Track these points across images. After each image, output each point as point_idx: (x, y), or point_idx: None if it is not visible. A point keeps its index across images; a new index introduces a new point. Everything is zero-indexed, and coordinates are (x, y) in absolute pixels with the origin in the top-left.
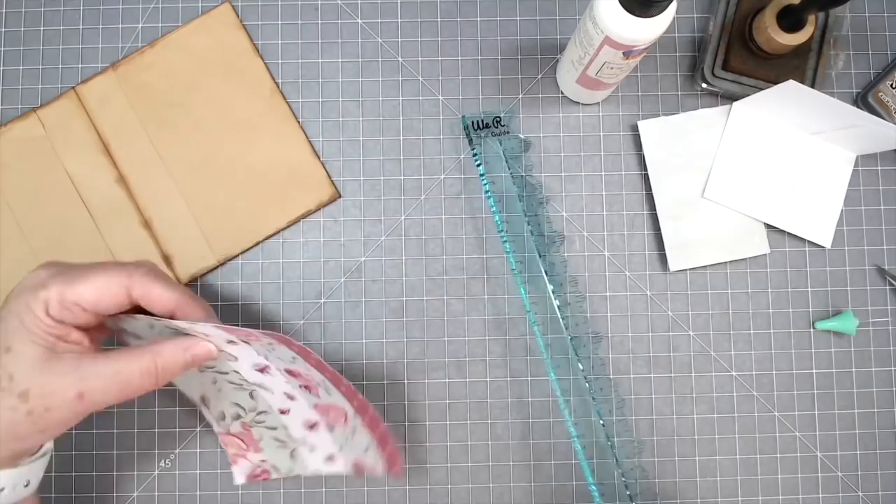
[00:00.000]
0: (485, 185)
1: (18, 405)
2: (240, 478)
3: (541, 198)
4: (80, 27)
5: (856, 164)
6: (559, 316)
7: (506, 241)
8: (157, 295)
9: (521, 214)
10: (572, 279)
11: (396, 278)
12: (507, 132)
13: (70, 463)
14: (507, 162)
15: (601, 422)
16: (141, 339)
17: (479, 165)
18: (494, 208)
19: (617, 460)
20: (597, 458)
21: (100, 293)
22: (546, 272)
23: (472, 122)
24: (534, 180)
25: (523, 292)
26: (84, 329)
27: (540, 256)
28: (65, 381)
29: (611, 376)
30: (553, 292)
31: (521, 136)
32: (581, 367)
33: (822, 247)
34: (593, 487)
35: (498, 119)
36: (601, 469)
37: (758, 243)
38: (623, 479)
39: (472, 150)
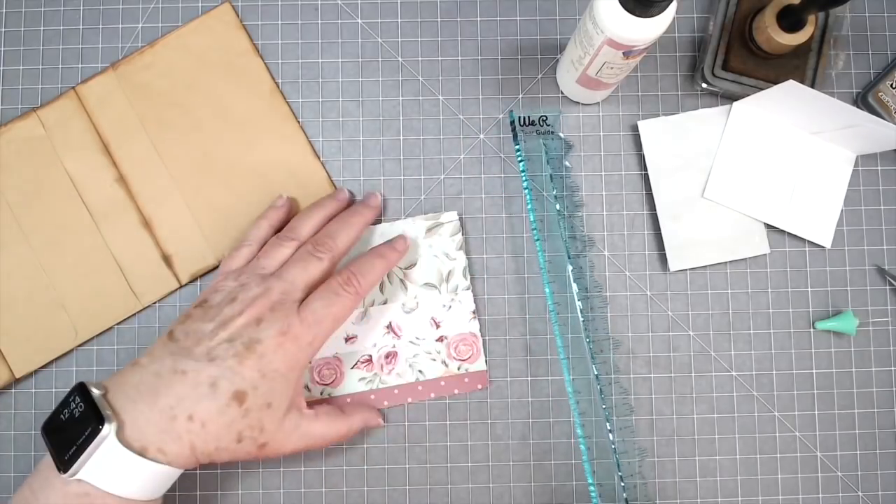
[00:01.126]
0: (524, 181)
1: (253, 452)
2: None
3: (577, 200)
4: (80, 27)
5: (856, 164)
6: (580, 318)
7: (538, 240)
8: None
9: (554, 214)
10: (596, 283)
11: None
12: (552, 132)
13: None
14: (548, 161)
15: (608, 426)
16: None
17: (520, 161)
18: (531, 206)
19: (619, 465)
20: (598, 459)
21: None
22: (572, 275)
23: (519, 118)
24: (572, 182)
25: (548, 291)
26: None
27: (569, 258)
28: (291, 438)
29: (621, 381)
30: (577, 294)
31: (562, 135)
32: (596, 371)
33: (822, 247)
34: (592, 489)
35: (544, 118)
36: (601, 470)
37: (758, 243)
38: (623, 484)
39: (516, 145)
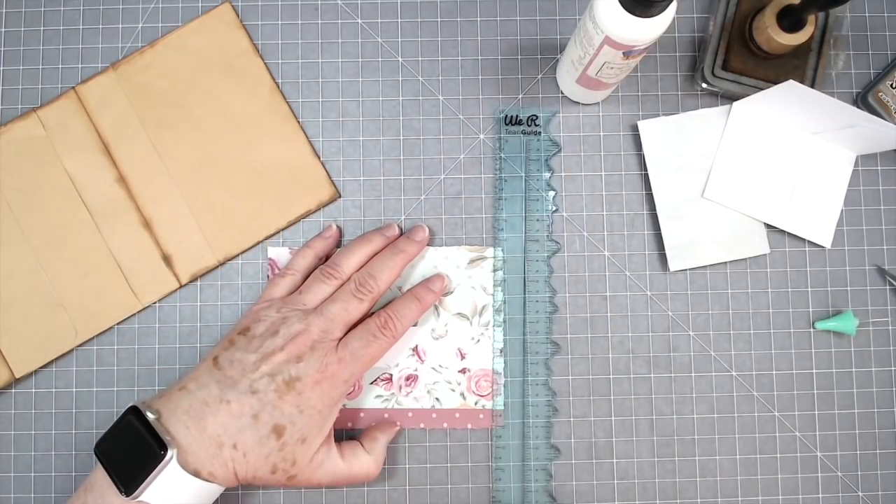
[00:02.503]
0: (498, 179)
1: (283, 482)
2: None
3: (549, 205)
4: (80, 27)
5: (856, 164)
6: (524, 318)
7: (498, 243)
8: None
9: (522, 215)
10: (552, 289)
11: None
12: (538, 132)
13: (71, 463)
14: (526, 162)
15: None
16: None
17: (497, 160)
18: (498, 204)
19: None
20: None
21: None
22: (525, 276)
23: (506, 117)
24: (548, 185)
25: (501, 292)
26: None
27: (526, 260)
28: (317, 473)
29: (555, 382)
30: (527, 297)
31: (551, 137)
32: (531, 376)
33: (822, 247)
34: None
35: (534, 118)
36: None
37: (758, 243)
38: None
39: (497, 144)
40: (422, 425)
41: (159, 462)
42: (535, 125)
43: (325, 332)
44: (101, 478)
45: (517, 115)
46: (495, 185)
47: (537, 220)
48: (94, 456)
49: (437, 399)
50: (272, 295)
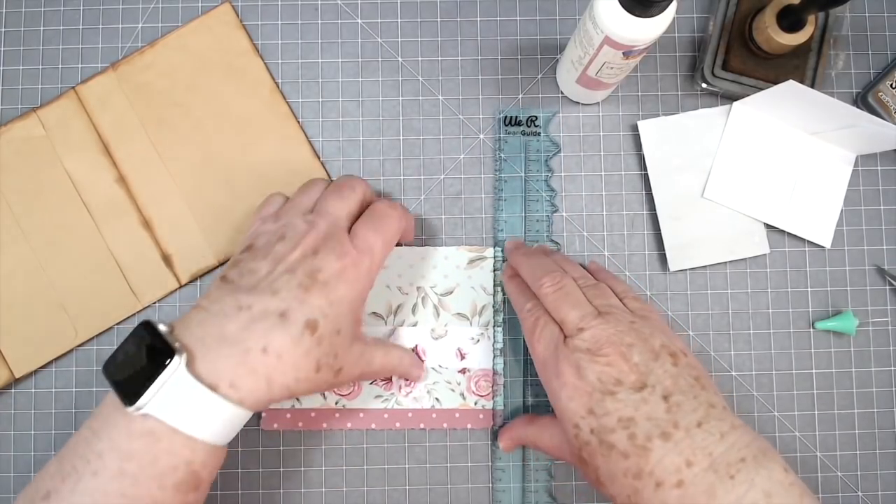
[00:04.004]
0: (497, 179)
1: (330, 380)
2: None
3: (549, 205)
4: (80, 27)
5: (856, 164)
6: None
7: (498, 243)
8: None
9: (522, 216)
10: None
11: None
12: (538, 133)
13: None
14: (526, 162)
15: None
16: None
17: (497, 161)
18: (498, 205)
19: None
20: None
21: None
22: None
23: (505, 118)
24: (548, 185)
25: (501, 290)
26: None
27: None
28: (358, 363)
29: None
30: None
31: (550, 138)
32: (531, 376)
33: (822, 247)
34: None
35: (534, 118)
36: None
37: (758, 243)
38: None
39: (497, 144)
40: (421, 425)
41: (164, 368)
42: (535, 126)
43: (332, 224)
44: (108, 402)
45: (517, 116)
46: (495, 185)
47: (537, 220)
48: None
49: (436, 399)
50: (266, 212)
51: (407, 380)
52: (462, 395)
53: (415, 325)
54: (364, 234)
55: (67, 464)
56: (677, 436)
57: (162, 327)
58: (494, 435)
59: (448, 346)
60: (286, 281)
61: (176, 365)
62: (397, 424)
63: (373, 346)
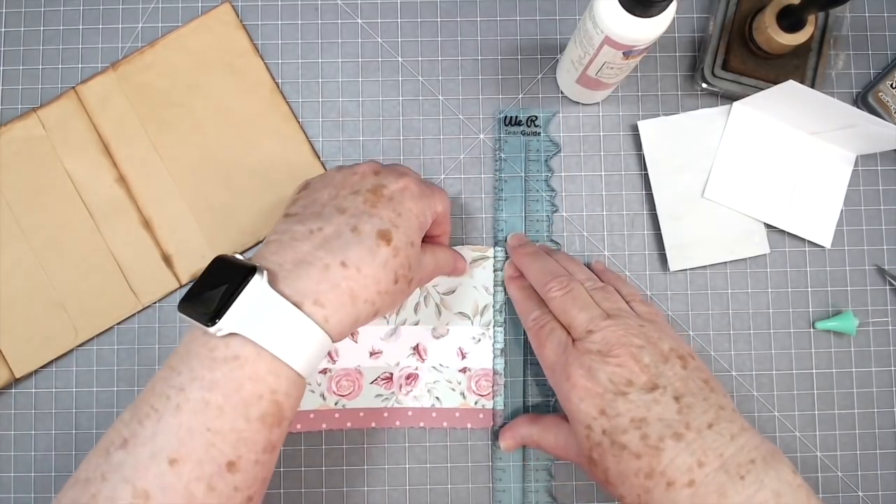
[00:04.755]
0: (497, 180)
1: (406, 290)
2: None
3: (549, 205)
4: (80, 27)
5: (856, 164)
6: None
7: (498, 243)
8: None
9: (522, 216)
10: None
11: None
12: (538, 133)
13: (71, 463)
14: (526, 162)
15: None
16: None
17: (497, 161)
18: (498, 205)
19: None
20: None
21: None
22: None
23: (505, 118)
24: (548, 185)
25: (502, 290)
26: None
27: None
28: (426, 270)
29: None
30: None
31: (550, 138)
32: (531, 376)
33: (822, 247)
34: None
35: (534, 118)
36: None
37: (758, 243)
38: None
39: (497, 145)
40: (421, 424)
41: (245, 283)
42: (535, 126)
43: (383, 165)
44: (187, 339)
45: (517, 116)
46: (495, 185)
47: (537, 220)
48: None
49: (437, 398)
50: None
51: (455, 275)
52: (462, 394)
53: (416, 323)
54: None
55: (145, 405)
56: (689, 436)
57: (238, 256)
58: (495, 435)
59: (449, 345)
60: (352, 200)
61: (258, 281)
62: (397, 423)
63: (433, 250)
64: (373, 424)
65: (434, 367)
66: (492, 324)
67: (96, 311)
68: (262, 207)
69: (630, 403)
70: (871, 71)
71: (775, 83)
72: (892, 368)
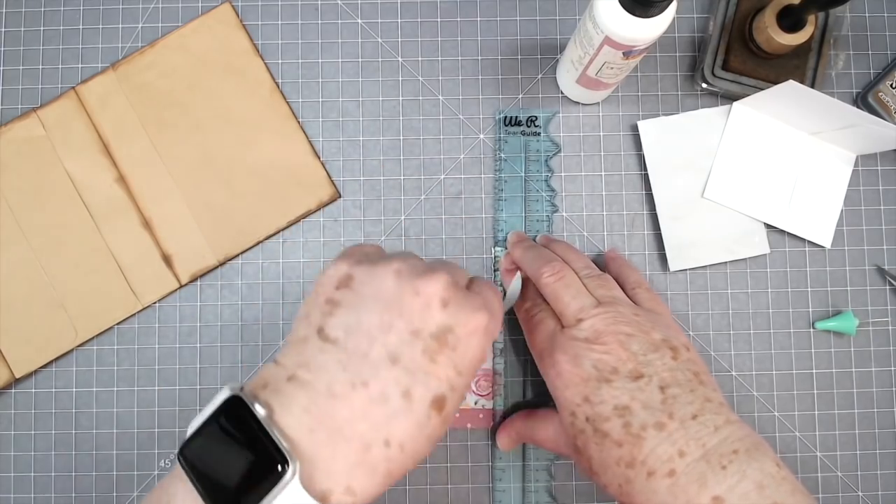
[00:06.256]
0: (497, 180)
1: (428, 453)
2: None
3: (549, 205)
4: (80, 27)
5: (856, 164)
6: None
7: (498, 243)
8: None
9: (522, 216)
10: None
11: None
12: (538, 133)
13: (70, 463)
14: (526, 163)
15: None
16: None
17: (497, 161)
18: (498, 205)
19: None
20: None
21: None
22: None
23: (505, 118)
24: (548, 185)
25: (502, 290)
26: None
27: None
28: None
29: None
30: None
31: (550, 138)
32: (531, 376)
33: (822, 247)
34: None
35: (533, 118)
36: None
37: (758, 243)
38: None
39: (496, 145)
40: None
41: (276, 481)
42: (535, 126)
43: (451, 273)
44: (181, 493)
45: (517, 116)
46: (495, 185)
47: (537, 220)
48: (94, 456)
49: None
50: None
51: None
52: None
53: None
54: (481, 290)
55: None
56: (671, 426)
57: (260, 411)
58: (494, 435)
59: None
60: (409, 346)
61: (288, 479)
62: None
63: None
64: None
65: None
66: None
67: (96, 312)
68: (261, 207)
69: (615, 390)
70: (871, 71)
71: (775, 83)
72: (892, 368)
